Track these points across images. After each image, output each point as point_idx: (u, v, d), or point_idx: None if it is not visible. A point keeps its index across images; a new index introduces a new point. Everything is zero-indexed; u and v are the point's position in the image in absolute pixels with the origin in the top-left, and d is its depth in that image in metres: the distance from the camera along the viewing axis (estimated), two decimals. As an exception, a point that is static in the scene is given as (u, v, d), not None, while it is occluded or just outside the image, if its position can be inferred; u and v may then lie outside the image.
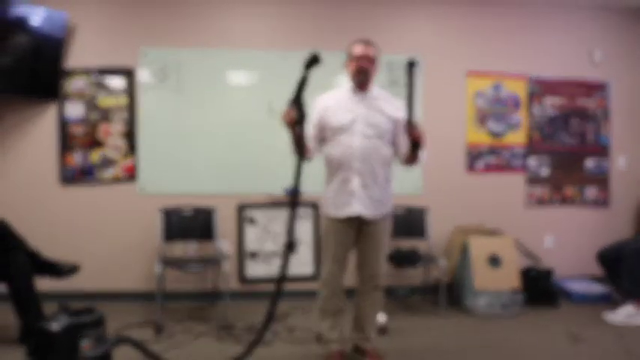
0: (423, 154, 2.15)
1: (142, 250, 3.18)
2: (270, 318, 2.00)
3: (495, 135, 3.62)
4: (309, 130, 2.15)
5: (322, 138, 2.20)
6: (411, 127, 2.02)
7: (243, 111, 3.31)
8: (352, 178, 2.13)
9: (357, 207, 2.13)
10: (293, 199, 1.95)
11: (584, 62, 3.74)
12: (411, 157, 2.14)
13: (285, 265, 2.00)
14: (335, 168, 2.16)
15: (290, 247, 1.98)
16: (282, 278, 1.99)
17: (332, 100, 2.21)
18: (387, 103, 2.21)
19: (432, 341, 2.58)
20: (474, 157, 3.59)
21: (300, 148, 1.97)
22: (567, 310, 3.15)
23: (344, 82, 2.28)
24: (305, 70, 1.93)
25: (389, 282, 3.07)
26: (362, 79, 2.15)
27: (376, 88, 2.24)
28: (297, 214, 2.00)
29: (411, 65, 2.00)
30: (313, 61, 1.90)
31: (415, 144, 2.04)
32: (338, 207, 2.16)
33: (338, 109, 2.17)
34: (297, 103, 1.94)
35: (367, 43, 2.17)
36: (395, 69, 3.45)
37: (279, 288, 1.99)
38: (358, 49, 2.15)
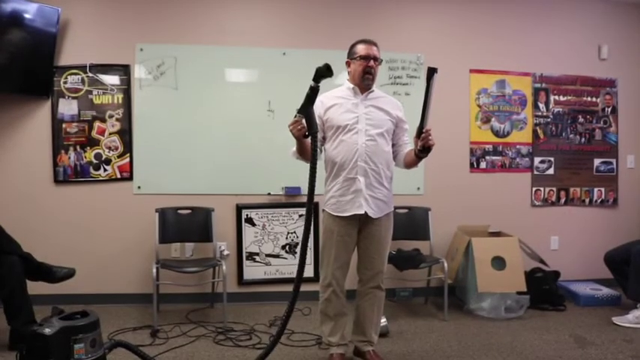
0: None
1: (137, 251, 3.13)
2: (287, 320, 1.94)
3: (499, 134, 3.56)
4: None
5: (323, 138, 2.19)
6: (423, 133, 1.98)
7: (241, 109, 3.25)
8: (357, 177, 2.11)
9: (364, 206, 2.11)
10: (309, 206, 1.84)
11: (590, 58, 3.68)
12: (414, 162, 2.12)
13: (301, 266, 1.92)
14: (338, 167, 2.14)
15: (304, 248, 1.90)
16: (298, 280, 1.92)
17: (333, 99, 2.19)
18: (387, 103, 2.21)
19: (434, 344, 2.53)
20: (477, 157, 3.53)
21: (307, 159, 1.89)
22: (574, 313, 3.10)
23: (344, 81, 2.26)
24: (315, 82, 1.83)
25: (390, 284, 3.02)
26: (368, 81, 2.14)
27: (375, 88, 2.22)
28: (311, 220, 1.88)
29: (430, 71, 1.95)
30: (326, 72, 1.81)
31: (427, 149, 2.00)
32: (342, 206, 2.13)
33: (340, 108, 2.15)
34: (306, 114, 1.86)
35: (371, 42, 2.15)
36: (396, 67, 3.39)
37: (296, 289, 1.91)
38: (364, 49, 2.13)
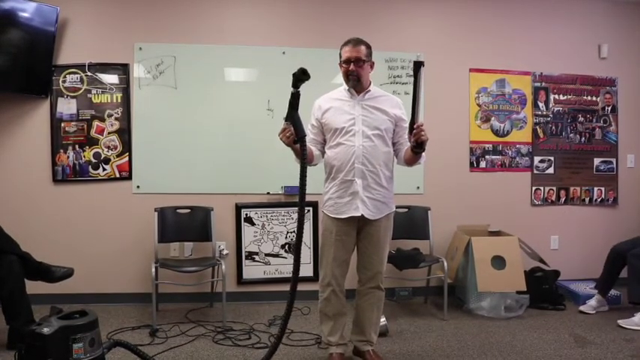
0: (423, 157, 2.11)
1: (136, 250, 3.12)
2: (287, 320, 1.94)
3: (499, 133, 3.55)
4: (310, 135, 2.14)
5: (324, 140, 2.19)
6: (415, 128, 1.96)
7: (241, 108, 3.24)
8: (354, 179, 2.10)
9: (360, 208, 2.10)
10: (300, 206, 1.86)
11: (590, 57, 3.67)
12: (413, 159, 2.10)
13: (297, 267, 1.92)
14: (336, 170, 2.14)
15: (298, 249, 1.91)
16: (295, 280, 1.92)
17: (330, 101, 2.19)
18: (386, 102, 2.19)
19: (433, 344, 2.53)
20: (477, 156, 3.52)
21: (305, 162, 1.90)
22: (573, 312, 3.09)
23: (343, 82, 2.24)
24: (295, 88, 1.86)
25: (389, 283, 3.02)
26: (353, 83, 2.13)
27: (374, 87, 2.21)
28: (303, 219, 1.90)
29: (417, 65, 1.94)
30: (302, 76, 1.83)
31: (420, 144, 1.99)
32: (340, 208, 2.13)
33: (337, 110, 2.15)
34: (293, 120, 1.88)
35: (355, 42, 2.12)
36: (396, 66, 3.39)
37: (293, 288, 1.91)
38: (345, 52, 2.12)
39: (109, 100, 3.14)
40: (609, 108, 3.70)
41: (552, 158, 3.61)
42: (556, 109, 3.63)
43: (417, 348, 2.47)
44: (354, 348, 2.30)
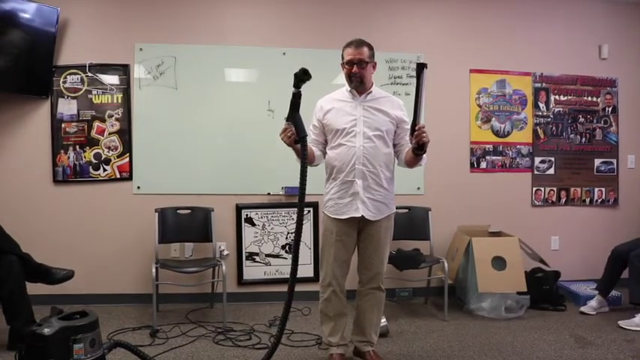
0: (424, 159, 2.12)
1: (137, 251, 3.12)
2: (285, 320, 1.94)
3: (500, 133, 3.55)
4: (311, 136, 2.15)
5: (325, 141, 2.20)
6: (416, 130, 1.95)
7: (241, 109, 3.24)
8: (355, 180, 2.11)
9: (361, 209, 2.10)
10: (300, 206, 1.87)
11: (591, 58, 3.68)
12: (414, 160, 2.10)
13: (294, 267, 1.93)
14: (337, 170, 2.14)
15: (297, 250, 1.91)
16: (293, 280, 1.92)
17: (332, 102, 2.19)
18: (387, 103, 2.19)
19: (434, 344, 2.53)
20: (477, 156, 3.52)
21: (305, 162, 1.90)
22: (574, 313, 3.09)
23: (344, 82, 2.24)
24: (296, 88, 1.87)
25: (390, 284, 3.02)
26: (355, 84, 2.13)
27: (376, 88, 2.21)
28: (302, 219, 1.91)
29: (420, 67, 1.94)
30: (303, 76, 1.83)
31: (421, 146, 1.98)
32: (340, 209, 2.14)
33: (338, 111, 2.16)
34: (294, 120, 1.89)
35: (358, 44, 2.12)
36: (396, 67, 3.39)
37: (291, 289, 1.92)
38: (348, 54, 2.12)
39: (110, 101, 3.14)
40: (610, 108, 3.70)
41: (553, 159, 3.61)
42: (556, 109, 3.63)
43: (418, 349, 2.47)
44: (354, 348, 2.30)
